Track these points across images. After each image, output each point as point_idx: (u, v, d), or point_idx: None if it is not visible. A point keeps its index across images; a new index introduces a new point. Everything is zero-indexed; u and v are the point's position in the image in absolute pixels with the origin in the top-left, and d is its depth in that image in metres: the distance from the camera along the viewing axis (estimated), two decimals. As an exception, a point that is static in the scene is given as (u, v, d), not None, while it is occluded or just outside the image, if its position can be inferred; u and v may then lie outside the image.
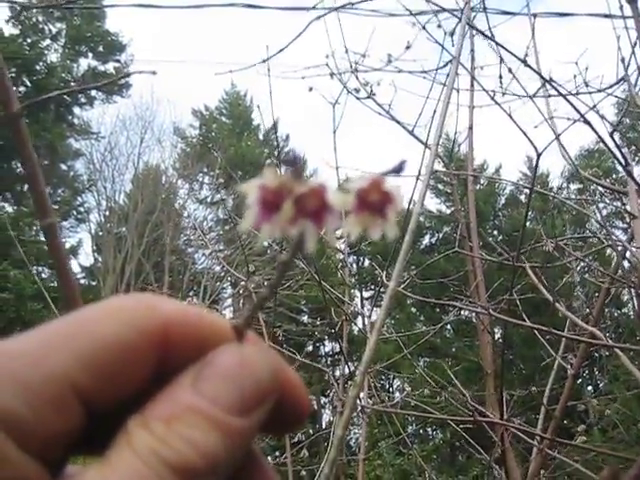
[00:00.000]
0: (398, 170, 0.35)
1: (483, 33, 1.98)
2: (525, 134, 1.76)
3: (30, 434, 0.30)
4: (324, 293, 2.23)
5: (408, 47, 3.19)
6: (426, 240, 19.94)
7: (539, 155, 1.74)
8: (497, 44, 1.98)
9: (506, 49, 1.93)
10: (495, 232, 19.43)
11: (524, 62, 1.93)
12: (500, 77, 2.28)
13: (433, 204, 19.30)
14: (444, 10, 2.28)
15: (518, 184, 16.20)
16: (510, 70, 2.13)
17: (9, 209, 16.08)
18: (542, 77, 1.94)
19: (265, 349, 0.36)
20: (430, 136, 2.57)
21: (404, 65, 3.23)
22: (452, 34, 2.63)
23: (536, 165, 1.86)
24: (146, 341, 0.34)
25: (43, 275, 14.76)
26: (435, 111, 2.40)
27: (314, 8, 2.79)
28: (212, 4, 3.41)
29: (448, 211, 19.31)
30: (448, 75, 2.50)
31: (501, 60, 2.14)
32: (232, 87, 22.38)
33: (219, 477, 0.32)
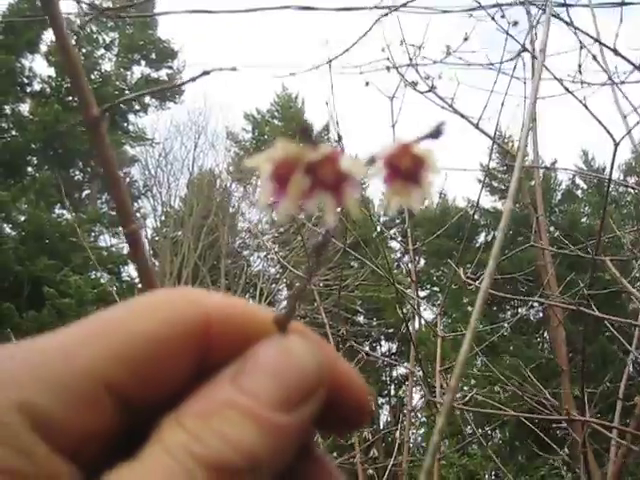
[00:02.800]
0: (436, 134, 0.31)
1: (566, 22, 1.93)
2: (601, 123, 1.70)
3: (60, 432, 0.28)
4: (397, 291, 2.20)
5: (466, 39, 3.14)
6: (481, 238, 19.68)
7: (617, 144, 1.68)
8: (584, 33, 1.93)
9: (595, 38, 1.87)
10: (552, 228, 19.11)
11: (614, 50, 1.87)
12: (579, 66, 2.21)
13: (488, 201, 19.03)
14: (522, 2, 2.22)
15: (596, 175, 15.82)
16: (595, 57, 2.06)
17: (68, 216, 16.42)
18: (632, 63, 1.88)
19: (312, 340, 0.33)
20: (498, 129, 2.52)
21: (461, 59, 3.18)
22: (515, 24, 2.58)
23: (614, 155, 1.79)
24: (186, 336, 0.32)
25: (102, 280, 15.03)
26: (502, 104, 2.37)
27: (374, 8, 2.76)
28: (265, 7, 3.40)
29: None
30: (515, 67, 2.45)
31: (581, 47, 2.08)
32: (283, 90, 22.50)
33: (264, 476, 0.29)
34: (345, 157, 0.30)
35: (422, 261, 19.27)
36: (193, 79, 0.69)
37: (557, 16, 1.93)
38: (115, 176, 0.68)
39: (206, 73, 0.70)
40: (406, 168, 0.31)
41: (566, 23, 1.96)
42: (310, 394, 0.31)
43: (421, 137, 0.31)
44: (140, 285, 0.70)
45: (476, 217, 17.49)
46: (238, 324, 0.33)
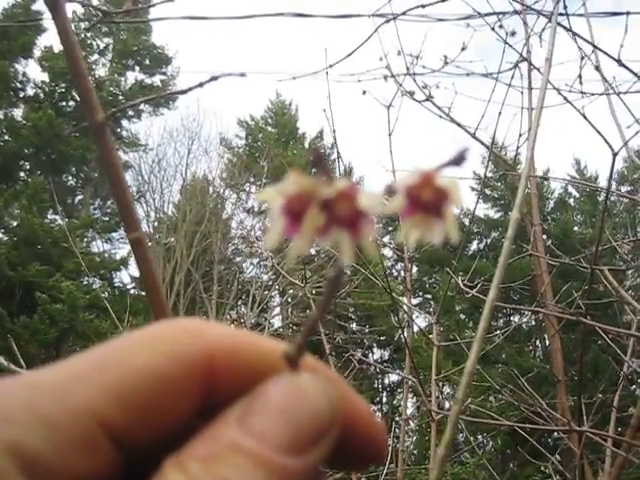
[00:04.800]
0: (458, 161, 0.29)
1: (571, 31, 1.93)
2: (600, 133, 1.70)
3: (50, 474, 0.26)
4: (393, 299, 2.19)
5: (464, 49, 3.15)
6: (474, 246, 19.69)
7: (615, 154, 1.68)
8: (589, 43, 1.94)
9: (599, 48, 1.88)
10: (544, 236, 19.08)
11: (618, 61, 1.88)
12: (580, 76, 2.21)
13: (480, 209, 19.05)
14: (529, 9, 2.23)
15: (593, 186, 15.82)
16: (596, 67, 2.07)
17: (60, 221, 16.36)
18: (635, 74, 1.89)
19: (325, 377, 0.32)
20: (495, 138, 2.53)
21: (459, 68, 3.19)
22: (513, 34, 2.59)
23: (612, 165, 1.79)
24: (188, 372, 0.30)
25: (95, 286, 14.98)
26: (500, 113, 2.37)
27: (370, 16, 2.76)
28: (260, 14, 3.39)
29: (496, 216, 19.07)
30: (513, 77, 2.45)
31: (582, 57, 2.08)
32: (277, 97, 22.51)
33: None
34: (362, 192, 0.28)
35: (414, 269, 19.28)
36: (201, 84, 0.69)
37: (562, 25, 1.94)
38: (120, 181, 0.67)
39: (214, 79, 0.69)
40: (427, 200, 0.29)
41: (572, 33, 1.96)
42: (322, 436, 0.30)
43: (442, 165, 0.29)
44: (144, 290, 0.70)
45: (469, 225, 17.53)
46: (244, 358, 0.32)
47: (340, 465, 0.35)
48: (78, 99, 17.15)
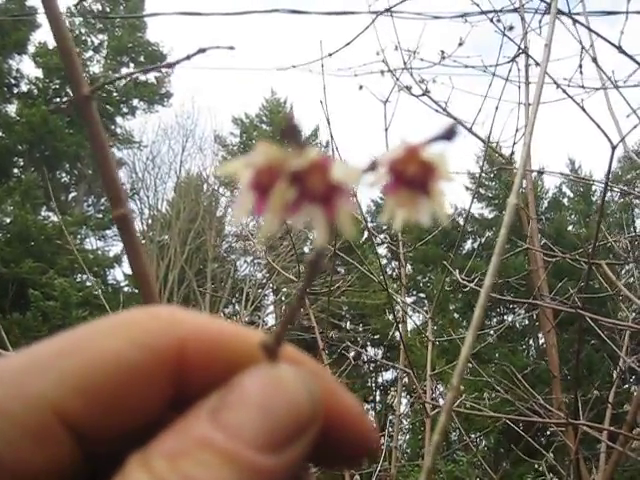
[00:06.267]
0: (449, 136, 0.27)
1: (573, 19, 1.93)
2: (598, 125, 1.69)
3: (3, 471, 0.24)
4: (389, 296, 2.18)
5: (461, 44, 3.14)
6: (468, 245, 19.73)
7: (614, 148, 1.66)
8: (591, 30, 1.93)
9: (600, 35, 1.88)
10: (539, 235, 19.09)
11: (619, 48, 1.87)
12: (580, 66, 2.20)
13: (475, 208, 19.08)
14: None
15: (591, 181, 15.79)
16: (594, 60, 2.06)
17: (54, 218, 16.34)
18: (636, 62, 1.88)
19: (306, 369, 0.29)
20: (490, 133, 2.52)
21: (457, 62, 3.19)
22: (511, 28, 2.58)
23: (611, 159, 1.77)
24: (158, 360, 0.28)
25: (88, 283, 14.95)
26: (497, 108, 2.36)
27: (365, 13, 2.75)
28: (255, 10, 3.37)
29: (490, 215, 19.11)
30: (510, 71, 2.45)
31: (582, 48, 2.07)
32: (272, 94, 22.52)
33: None
34: (337, 164, 0.25)
35: (409, 267, 19.29)
36: (188, 57, 0.66)
37: (563, 12, 1.93)
38: (105, 155, 0.64)
39: (202, 51, 0.67)
40: (413, 175, 0.26)
41: (573, 20, 1.95)
42: (301, 432, 0.27)
43: (431, 139, 0.27)
44: (130, 270, 0.67)
45: (461, 223, 17.55)
46: (221, 348, 0.30)
47: (326, 463, 0.32)
48: (72, 95, 17.14)
